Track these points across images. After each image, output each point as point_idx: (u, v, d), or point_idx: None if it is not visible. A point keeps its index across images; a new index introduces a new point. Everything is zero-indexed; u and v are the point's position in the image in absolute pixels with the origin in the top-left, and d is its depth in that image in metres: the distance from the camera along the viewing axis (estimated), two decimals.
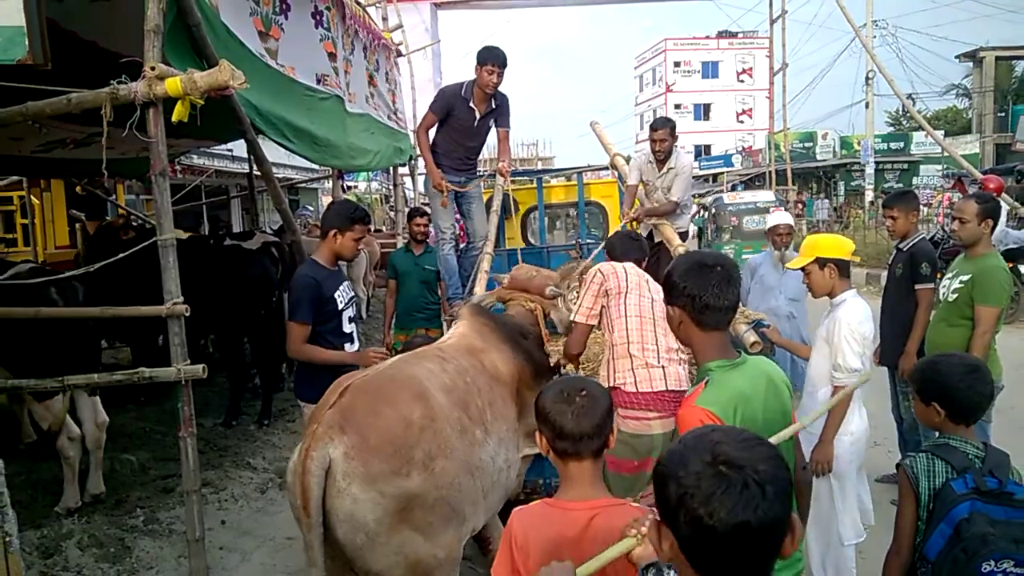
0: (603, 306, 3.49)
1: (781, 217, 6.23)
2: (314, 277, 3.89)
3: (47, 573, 4.23)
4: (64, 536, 4.58)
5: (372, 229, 20.83)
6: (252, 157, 5.61)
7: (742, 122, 52.01)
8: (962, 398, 2.49)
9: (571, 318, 3.62)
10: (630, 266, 3.63)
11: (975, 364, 2.59)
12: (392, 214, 15.49)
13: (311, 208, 19.47)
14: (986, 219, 4.24)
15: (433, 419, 2.78)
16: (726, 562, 1.20)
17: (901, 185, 32.66)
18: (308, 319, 3.85)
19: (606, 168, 6.89)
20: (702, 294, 2.17)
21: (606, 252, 4.02)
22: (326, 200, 21.91)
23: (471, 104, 5.69)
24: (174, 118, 3.64)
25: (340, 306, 4.02)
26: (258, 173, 6.52)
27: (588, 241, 6.79)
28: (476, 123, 5.76)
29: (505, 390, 3.38)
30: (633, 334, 3.37)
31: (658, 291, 3.30)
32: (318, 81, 6.13)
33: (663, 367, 3.32)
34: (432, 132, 5.86)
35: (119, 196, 12.00)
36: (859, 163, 30.99)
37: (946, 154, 18.80)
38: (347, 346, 4.05)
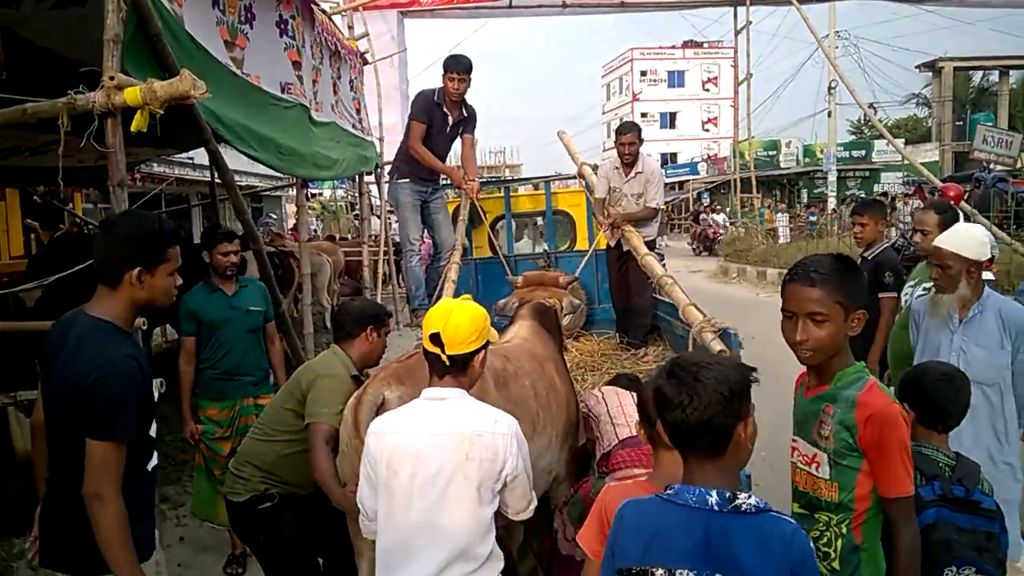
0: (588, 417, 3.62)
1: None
2: (135, 359, 2.27)
3: None
4: (16, 556, 4.45)
5: (337, 237, 20.73)
6: (214, 166, 5.50)
7: (708, 130, 52.58)
8: (932, 402, 2.55)
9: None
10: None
11: (950, 372, 2.64)
12: (357, 222, 15.39)
13: (274, 216, 19.27)
14: (946, 229, 4.30)
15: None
16: (682, 438, 1.73)
17: (863, 192, 33.33)
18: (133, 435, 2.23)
19: (574, 177, 6.90)
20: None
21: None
22: (290, 208, 21.72)
23: (444, 110, 5.68)
24: (133, 128, 3.55)
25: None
26: (220, 182, 6.44)
27: (556, 250, 6.78)
28: (448, 130, 5.76)
29: (560, 397, 3.54)
30: (612, 404, 3.50)
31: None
32: (282, 90, 6.05)
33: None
34: (410, 137, 5.79)
35: (76, 204, 11.75)
36: (822, 171, 31.53)
37: (906, 162, 19.17)
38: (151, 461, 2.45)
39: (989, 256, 3.45)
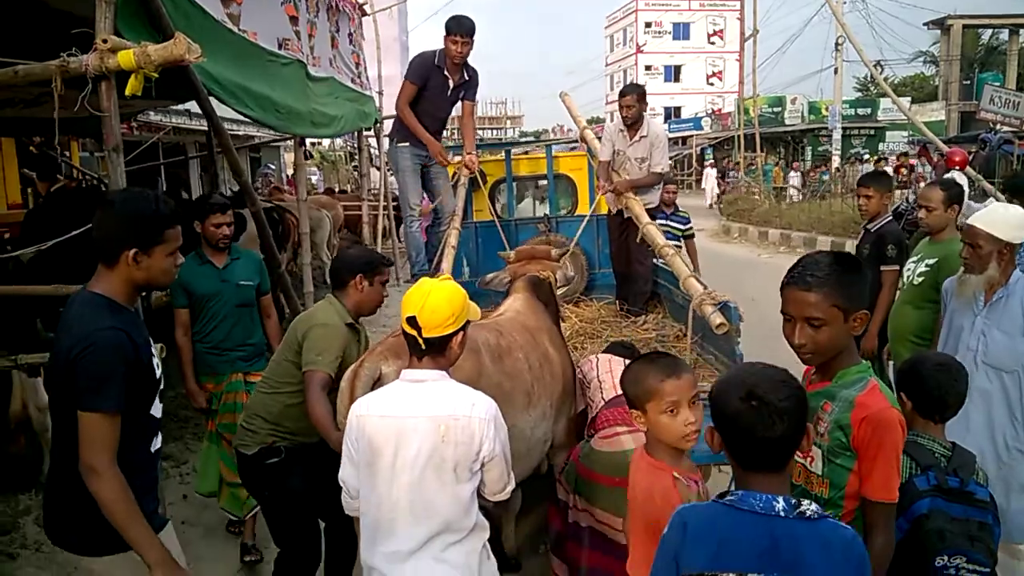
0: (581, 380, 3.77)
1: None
2: (123, 331, 2.23)
3: (4, 550, 4.15)
4: (21, 512, 4.49)
5: (337, 189, 20.54)
6: (211, 130, 5.42)
7: (712, 84, 51.92)
8: (929, 392, 2.54)
9: None
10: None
11: (947, 362, 2.63)
12: (357, 175, 15.24)
13: (273, 166, 19.02)
14: (952, 205, 4.26)
15: (479, 376, 2.98)
16: (754, 456, 1.75)
17: (867, 151, 33.05)
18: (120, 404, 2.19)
19: (575, 141, 6.81)
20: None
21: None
22: (289, 157, 21.46)
23: (445, 73, 5.56)
24: (128, 92, 3.48)
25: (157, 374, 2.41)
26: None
27: (557, 215, 6.73)
28: (449, 93, 5.64)
29: (554, 367, 3.62)
30: (603, 370, 3.61)
31: None
32: (280, 46, 5.93)
33: None
34: (400, 97, 5.70)
35: (73, 154, 11.61)
36: (827, 128, 31.17)
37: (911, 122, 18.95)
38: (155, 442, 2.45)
39: (1023, 240, 3.37)
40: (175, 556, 2.36)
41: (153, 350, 2.39)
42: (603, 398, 3.49)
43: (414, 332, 2.28)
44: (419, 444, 2.23)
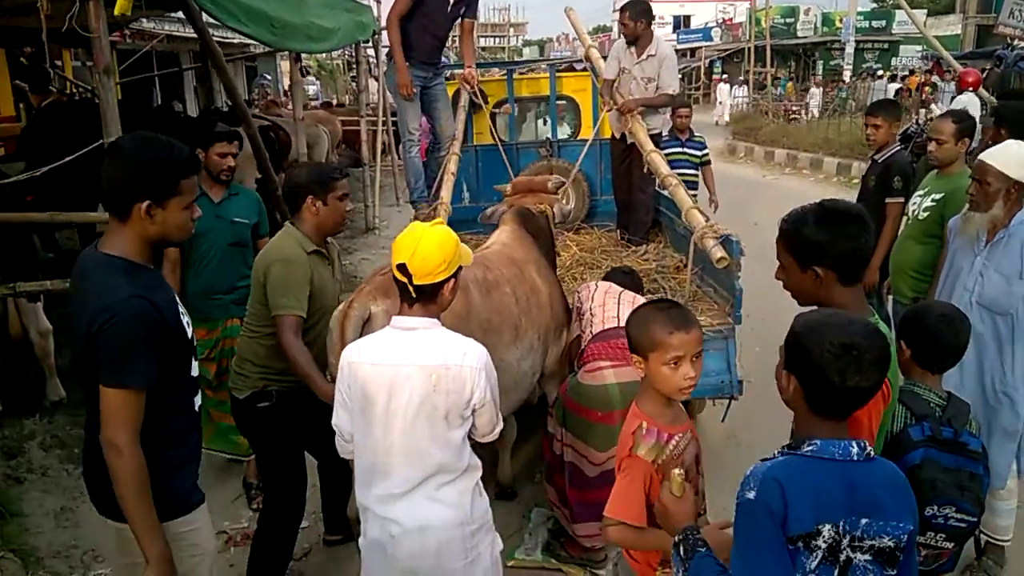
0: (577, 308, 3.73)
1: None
2: (144, 298, 2.09)
3: (11, 474, 4.24)
4: (26, 437, 4.57)
5: (335, 103, 20.09)
6: (202, 46, 5.25)
7: None
8: (929, 342, 2.54)
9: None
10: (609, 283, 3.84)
11: (951, 314, 2.60)
12: (356, 88, 14.86)
13: (269, 77, 18.49)
14: (963, 139, 4.14)
15: (467, 315, 3.06)
16: (838, 405, 1.72)
17: (880, 66, 32.17)
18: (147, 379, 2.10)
19: (580, 61, 6.58)
20: (851, 245, 2.08)
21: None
22: (285, 65, 20.86)
23: None
24: (116, 11, 3.38)
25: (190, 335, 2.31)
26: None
27: (560, 139, 6.58)
28: (449, 9, 5.37)
29: (542, 299, 3.67)
30: (596, 304, 3.57)
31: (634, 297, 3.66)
32: None
33: (619, 317, 3.41)
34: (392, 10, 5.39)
35: (66, 65, 11.30)
36: (839, 41, 30.28)
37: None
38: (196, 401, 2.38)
39: None
40: (206, 536, 2.35)
41: (181, 308, 2.25)
42: (592, 332, 3.49)
43: (404, 279, 2.25)
44: (410, 392, 2.25)
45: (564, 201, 4.33)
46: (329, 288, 3.21)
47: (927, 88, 18.75)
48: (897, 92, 20.51)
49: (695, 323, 2.19)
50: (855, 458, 1.69)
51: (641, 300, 3.62)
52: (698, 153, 6.90)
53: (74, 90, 10.49)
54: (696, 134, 7.02)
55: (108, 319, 2.00)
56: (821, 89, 25.18)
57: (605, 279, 3.99)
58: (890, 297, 4.58)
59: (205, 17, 4.80)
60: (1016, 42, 24.08)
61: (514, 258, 3.72)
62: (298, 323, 2.97)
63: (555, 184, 4.34)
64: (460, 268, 2.37)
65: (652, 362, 2.15)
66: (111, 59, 3.54)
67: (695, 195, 6.44)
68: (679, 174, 6.12)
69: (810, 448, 1.70)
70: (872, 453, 1.73)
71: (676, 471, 2.03)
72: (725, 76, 30.82)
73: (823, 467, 1.68)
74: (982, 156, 3.37)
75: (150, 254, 2.20)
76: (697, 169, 6.90)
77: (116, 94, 4.21)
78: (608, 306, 3.55)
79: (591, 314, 3.58)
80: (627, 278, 4.02)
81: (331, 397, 2.48)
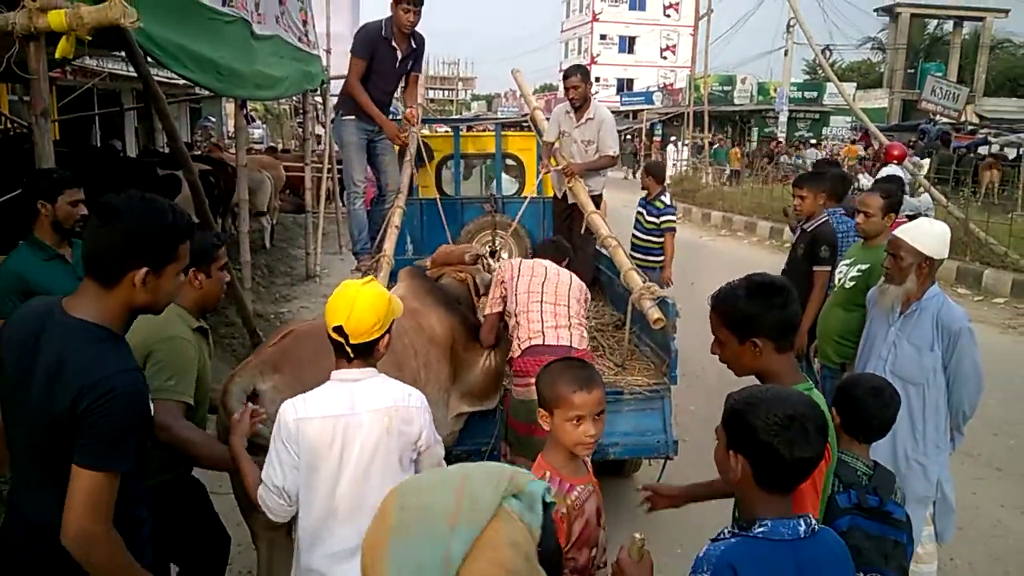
0: (503, 294, 3.86)
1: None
2: (140, 372, 2.02)
3: None
4: None
5: (280, 148, 19.99)
6: (146, 91, 5.19)
7: (665, 58, 51.94)
8: (857, 413, 2.61)
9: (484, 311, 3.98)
10: (535, 261, 4.02)
11: (881, 387, 2.69)
12: (302, 134, 14.83)
13: (213, 119, 18.38)
14: (889, 213, 4.34)
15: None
16: (787, 478, 1.74)
17: (812, 135, 33.65)
18: (133, 461, 1.96)
19: (526, 121, 6.73)
20: (783, 314, 2.17)
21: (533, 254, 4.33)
22: (230, 108, 20.74)
23: (393, 44, 5.39)
24: (58, 55, 3.31)
25: None
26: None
27: (504, 195, 6.67)
28: (397, 65, 5.47)
29: (440, 351, 3.64)
30: (520, 307, 3.74)
31: (558, 274, 3.89)
32: (223, 2, 5.69)
33: (543, 332, 3.65)
34: (350, 75, 5.50)
35: (2, 99, 11.03)
36: (774, 110, 31.62)
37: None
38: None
39: (945, 256, 3.45)
40: None
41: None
42: (520, 341, 3.69)
43: (341, 340, 2.28)
44: (362, 441, 2.25)
45: (485, 272, 4.43)
46: (210, 373, 2.86)
47: (867, 162, 19.55)
48: (816, 163, 21.43)
49: (599, 384, 2.27)
50: (803, 536, 1.71)
51: (565, 273, 3.93)
52: (656, 220, 6.70)
53: (8, 125, 10.23)
54: (662, 198, 6.75)
55: (102, 397, 1.80)
56: (786, 155, 26.03)
57: (535, 255, 4.22)
58: (816, 360, 4.73)
59: (149, 60, 4.75)
60: (938, 117, 25.52)
61: (411, 308, 3.62)
62: (188, 409, 2.59)
63: (472, 256, 4.44)
64: (393, 323, 2.40)
65: (556, 417, 2.23)
66: (50, 98, 3.43)
67: (658, 261, 6.55)
68: (636, 237, 6.27)
69: (761, 530, 1.71)
70: (816, 527, 1.75)
71: (637, 535, 2.04)
72: (673, 138, 31.64)
73: (775, 549, 1.70)
74: (896, 232, 3.54)
75: (127, 326, 2.01)
76: (653, 235, 6.74)
77: (53, 134, 4.11)
78: (532, 312, 3.72)
79: (516, 319, 3.74)
80: (557, 250, 4.23)
81: (257, 477, 2.33)
